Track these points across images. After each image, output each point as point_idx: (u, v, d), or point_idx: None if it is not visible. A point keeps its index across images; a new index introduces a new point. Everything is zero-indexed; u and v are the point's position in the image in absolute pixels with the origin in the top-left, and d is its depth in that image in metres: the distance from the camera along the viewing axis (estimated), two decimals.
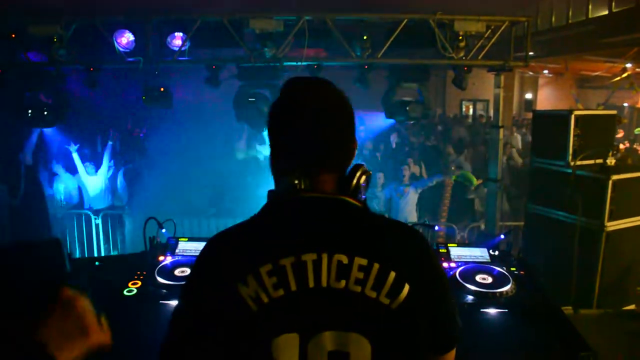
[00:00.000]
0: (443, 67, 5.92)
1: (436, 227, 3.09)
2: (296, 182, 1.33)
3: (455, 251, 2.92)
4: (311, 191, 1.34)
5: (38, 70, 6.01)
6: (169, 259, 2.93)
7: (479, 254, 2.92)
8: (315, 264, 1.26)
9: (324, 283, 1.26)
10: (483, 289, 2.59)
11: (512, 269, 2.76)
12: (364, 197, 1.40)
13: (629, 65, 11.67)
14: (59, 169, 7.28)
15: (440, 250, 2.91)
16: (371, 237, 1.34)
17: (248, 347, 1.25)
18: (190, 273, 1.36)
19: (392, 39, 5.46)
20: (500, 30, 5.64)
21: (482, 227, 7.37)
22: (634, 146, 11.43)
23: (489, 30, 5.63)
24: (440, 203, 8.17)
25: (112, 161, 7.49)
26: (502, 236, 2.98)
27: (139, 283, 2.72)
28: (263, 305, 1.24)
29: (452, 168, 8.17)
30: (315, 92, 1.38)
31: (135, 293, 2.66)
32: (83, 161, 7.32)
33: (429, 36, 5.47)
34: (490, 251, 2.93)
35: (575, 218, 4.98)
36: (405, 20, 5.46)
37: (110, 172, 7.46)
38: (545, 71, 15.42)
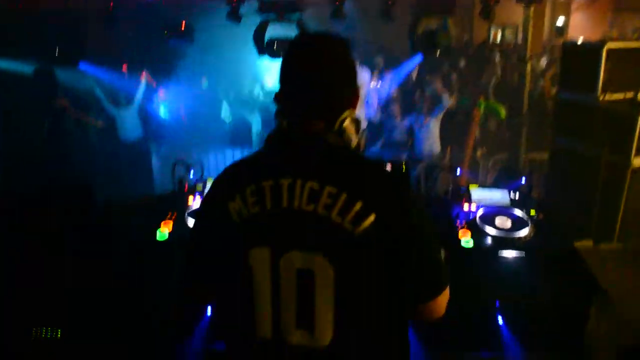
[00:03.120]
0: None
1: (458, 171, 3.11)
2: (284, 123, 1.54)
3: (477, 193, 2.96)
4: (297, 130, 1.52)
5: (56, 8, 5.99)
6: (198, 202, 3.02)
7: (500, 196, 2.95)
8: (289, 188, 1.43)
9: (296, 205, 1.41)
10: (502, 233, 2.64)
11: (531, 212, 2.79)
12: (356, 136, 1.56)
13: None
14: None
15: (462, 193, 2.95)
16: (344, 170, 1.48)
17: (231, 254, 1.46)
18: (203, 198, 1.62)
19: None
20: None
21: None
22: None
23: None
24: (466, 136, 8.06)
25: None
26: (524, 179, 3.00)
27: (170, 227, 2.82)
28: (243, 219, 1.44)
29: (480, 99, 7.97)
30: (315, 47, 1.55)
31: (168, 238, 2.77)
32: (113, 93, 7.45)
33: None
34: (511, 193, 2.96)
35: (601, 153, 4.94)
36: None
37: (140, 104, 7.57)
38: None
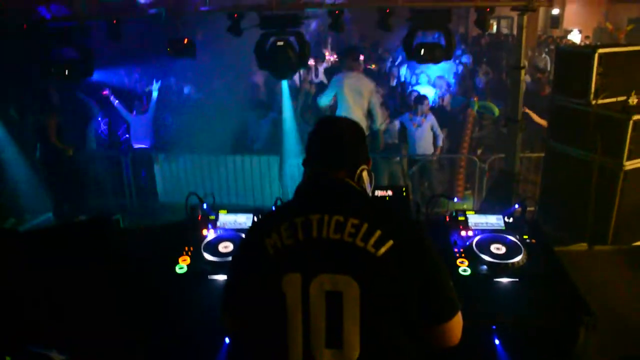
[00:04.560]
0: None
1: (455, 199, 3.30)
2: (312, 173, 1.93)
3: (473, 219, 3.15)
4: (323, 178, 1.88)
5: (62, 26, 6.10)
6: (212, 234, 3.19)
7: (495, 221, 3.15)
8: (318, 221, 1.72)
9: (324, 235, 1.70)
10: (497, 260, 2.84)
11: (524, 237, 2.99)
12: (370, 186, 1.96)
13: None
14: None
15: (459, 219, 3.14)
16: (363, 207, 1.82)
17: (266, 283, 1.72)
18: (242, 239, 1.96)
19: None
20: None
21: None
22: None
23: None
24: (462, 134, 8.22)
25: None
26: (517, 205, 3.19)
27: (188, 260, 3.00)
28: (278, 250, 1.72)
29: (474, 99, 8.13)
30: (336, 124, 2.03)
31: (186, 271, 2.96)
32: (128, 102, 7.77)
33: None
34: (506, 218, 3.15)
35: (594, 156, 5.11)
36: None
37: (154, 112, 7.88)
38: None
